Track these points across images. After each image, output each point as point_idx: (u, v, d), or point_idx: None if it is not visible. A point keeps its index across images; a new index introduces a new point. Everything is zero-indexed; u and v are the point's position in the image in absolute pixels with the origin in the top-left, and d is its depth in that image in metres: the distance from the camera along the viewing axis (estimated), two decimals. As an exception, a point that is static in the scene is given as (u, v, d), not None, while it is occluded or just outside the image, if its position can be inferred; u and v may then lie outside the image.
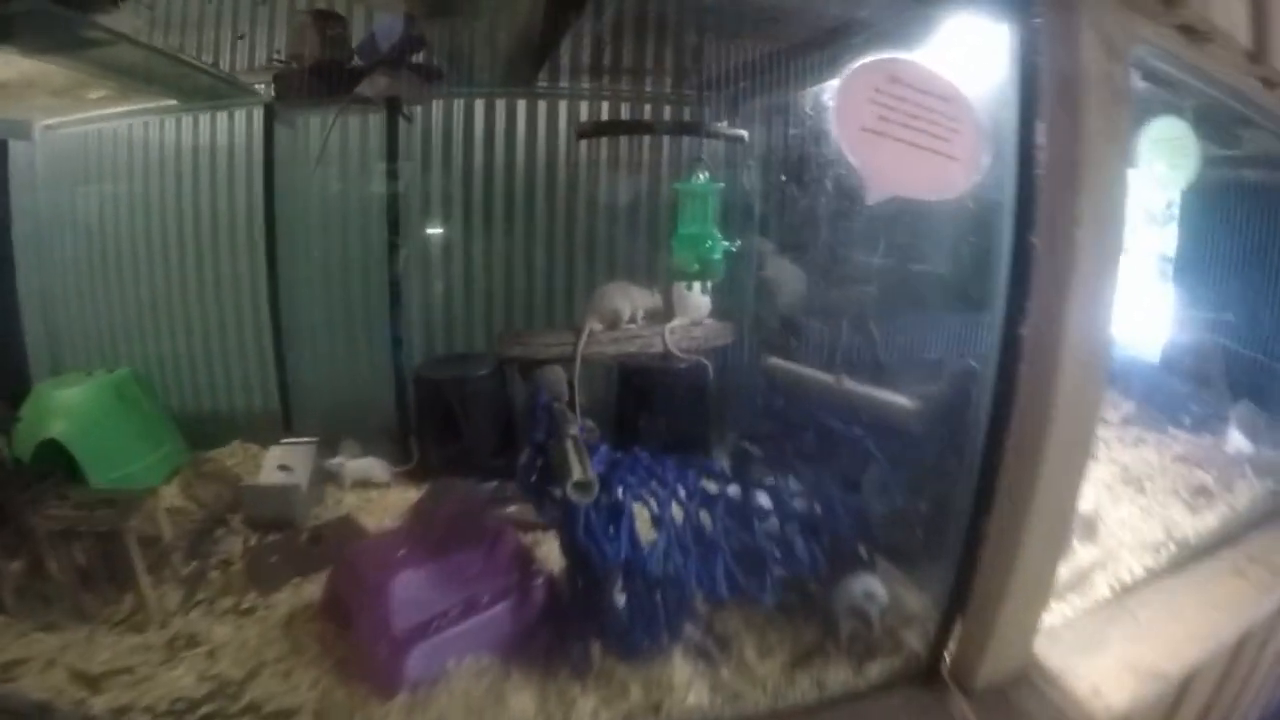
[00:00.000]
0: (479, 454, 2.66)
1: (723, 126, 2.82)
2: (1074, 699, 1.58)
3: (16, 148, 2.96)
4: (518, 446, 2.59)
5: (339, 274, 3.02)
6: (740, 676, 1.67)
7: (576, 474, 1.56)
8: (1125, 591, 1.96)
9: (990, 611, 1.56)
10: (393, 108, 2.72)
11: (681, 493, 1.80)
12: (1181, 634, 1.76)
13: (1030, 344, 1.46)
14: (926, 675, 1.65)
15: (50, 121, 3.01)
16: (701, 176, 2.66)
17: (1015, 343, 1.47)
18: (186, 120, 2.99)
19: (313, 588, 2.11)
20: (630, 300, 2.78)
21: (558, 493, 1.65)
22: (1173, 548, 2.14)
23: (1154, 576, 2.03)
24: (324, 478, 2.64)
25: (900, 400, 2.03)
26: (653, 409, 2.65)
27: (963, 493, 1.61)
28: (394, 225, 2.82)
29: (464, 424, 2.65)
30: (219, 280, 3.04)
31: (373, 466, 2.71)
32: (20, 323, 3.04)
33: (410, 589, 1.71)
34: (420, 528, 1.88)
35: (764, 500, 1.87)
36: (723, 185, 2.63)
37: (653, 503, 1.75)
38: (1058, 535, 1.55)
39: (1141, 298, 2.88)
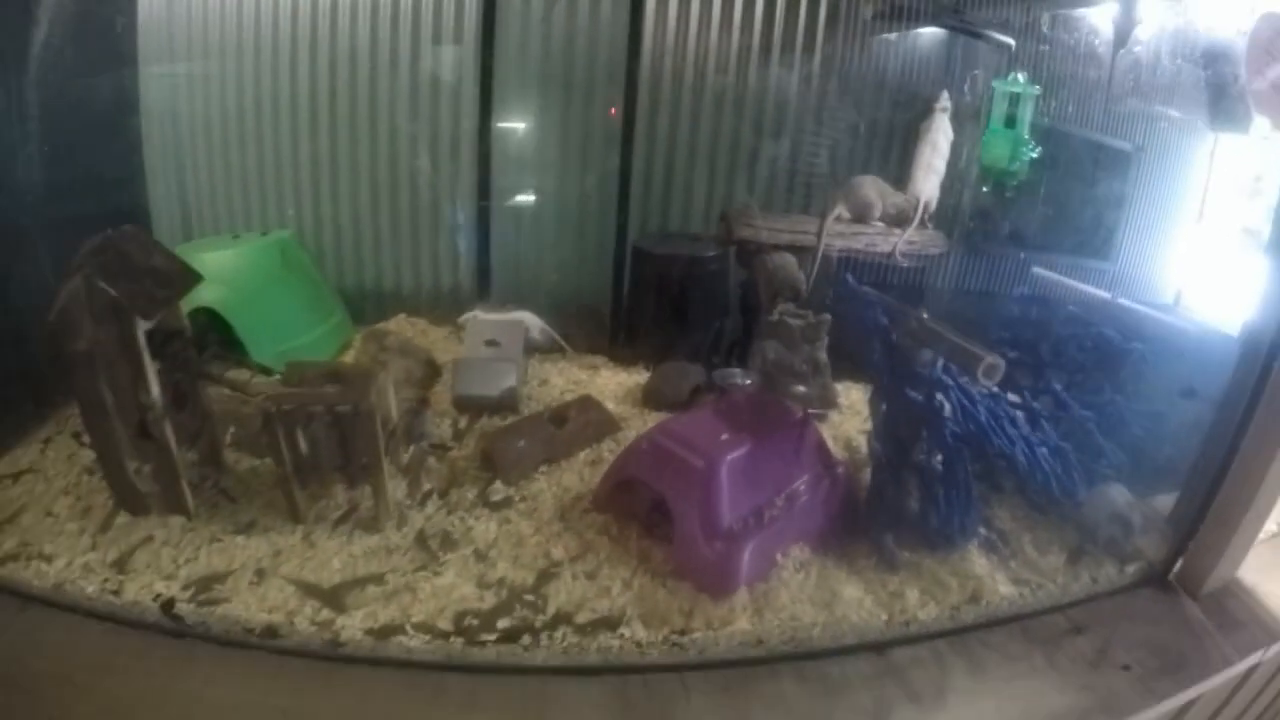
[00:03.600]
0: (699, 340, 2.49)
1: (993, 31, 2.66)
2: (1270, 611, 1.76)
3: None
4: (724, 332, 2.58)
5: (557, 132, 2.71)
6: (1028, 568, 1.70)
7: (989, 357, 1.45)
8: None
9: (1230, 527, 1.70)
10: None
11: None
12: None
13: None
14: (1159, 580, 1.79)
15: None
16: (1020, 77, 2.56)
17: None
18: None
19: (569, 476, 1.89)
20: (881, 196, 2.60)
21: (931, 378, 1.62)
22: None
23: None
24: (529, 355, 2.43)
25: (1181, 322, 2.12)
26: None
27: (1221, 416, 1.73)
28: (632, 82, 2.52)
29: (689, 306, 2.47)
30: (401, 133, 2.69)
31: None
32: (144, 178, 2.63)
33: (740, 478, 1.53)
34: (729, 412, 1.70)
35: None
36: (1039, 90, 2.55)
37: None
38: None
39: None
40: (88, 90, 2.29)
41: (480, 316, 2.36)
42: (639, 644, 1.37)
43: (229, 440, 1.88)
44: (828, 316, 2.11)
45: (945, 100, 2.64)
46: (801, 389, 2.29)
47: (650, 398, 2.26)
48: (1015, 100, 2.55)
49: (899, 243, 2.55)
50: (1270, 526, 1.94)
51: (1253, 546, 1.78)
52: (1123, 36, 2.41)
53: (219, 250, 2.27)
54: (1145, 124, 2.79)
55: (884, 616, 1.50)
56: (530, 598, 1.45)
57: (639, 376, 2.43)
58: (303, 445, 1.54)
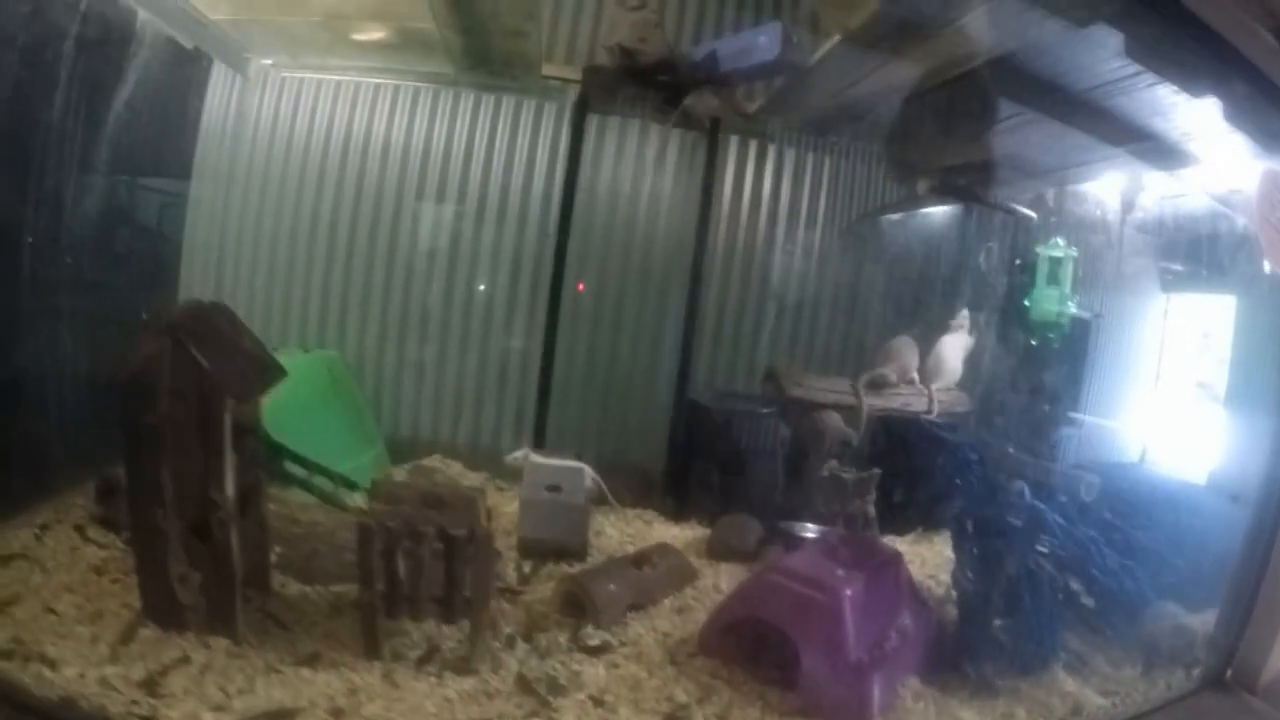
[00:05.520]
0: (758, 493, 2.61)
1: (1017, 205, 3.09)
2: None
3: (219, 76, 2.57)
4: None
5: (616, 293, 2.94)
6: (1109, 682, 1.81)
7: (1087, 475, 1.76)
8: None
9: (1275, 622, 1.86)
10: (716, 130, 2.56)
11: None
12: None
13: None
14: (1217, 682, 1.92)
15: (274, 60, 2.66)
16: (1060, 242, 2.93)
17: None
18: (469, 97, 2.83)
19: (661, 621, 1.88)
20: (915, 357, 2.86)
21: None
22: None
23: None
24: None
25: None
26: (920, 464, 2.59)
27: (1253, 537, 1.94)
28: (699, 254, 2.78)
29: (744, 461, 2.63)
30: (458, 278, 2.91)
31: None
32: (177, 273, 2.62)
33: (860, 612, 1.58)
34: (831, 551, 1.80)
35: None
36: (1077, 254, 2.93)
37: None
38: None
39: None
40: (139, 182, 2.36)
41: (536, 460, 2.35)
42: (790, 783, 1.38)
43: (274, 562, 1.71)
44: (877, 471, 2.23)
45: (963, 318, 3.00)
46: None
47: (716, 549, 2.33)
48: (1057, 263, 2.97)
49: (934, 401, 2.80)
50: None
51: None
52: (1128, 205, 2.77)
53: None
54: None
55: (1008, 737, 1.60)
56: (672, 744, 1.40)
57: (692, 530, 2.51)
58: (401, 569, 1.41)
